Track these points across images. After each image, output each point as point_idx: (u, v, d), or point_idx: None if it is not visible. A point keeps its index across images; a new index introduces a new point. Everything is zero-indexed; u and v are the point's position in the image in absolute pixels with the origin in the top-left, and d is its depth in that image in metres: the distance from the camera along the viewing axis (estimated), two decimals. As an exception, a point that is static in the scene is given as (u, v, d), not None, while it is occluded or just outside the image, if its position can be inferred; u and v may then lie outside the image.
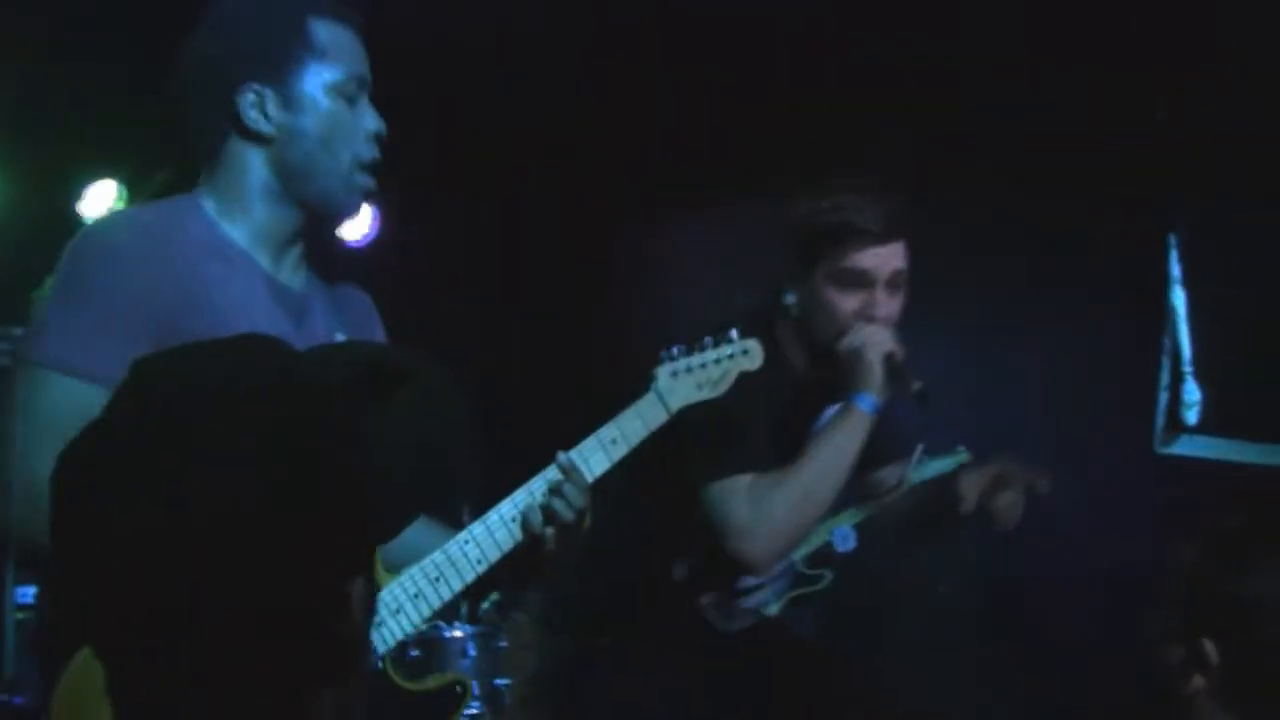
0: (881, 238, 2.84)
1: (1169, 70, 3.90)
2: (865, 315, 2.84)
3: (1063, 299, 4.19)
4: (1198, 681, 1.89)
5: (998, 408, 4.30)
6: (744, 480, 2.82)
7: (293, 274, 2.31)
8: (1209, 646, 1.88)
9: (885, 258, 2.85)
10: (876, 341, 2.84)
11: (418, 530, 2.26)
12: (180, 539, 1.02)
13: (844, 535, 3.04)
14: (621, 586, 3.05)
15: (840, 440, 2.85)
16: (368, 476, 1.10)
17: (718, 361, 2.58)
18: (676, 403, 2.53)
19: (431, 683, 2.37)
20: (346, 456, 1.09)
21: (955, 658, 4.04)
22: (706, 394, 2.56)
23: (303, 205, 2.26)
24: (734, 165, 4.69)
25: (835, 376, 2.89)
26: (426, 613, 2.30)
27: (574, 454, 2.40)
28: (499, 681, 4.70)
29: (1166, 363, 4.14)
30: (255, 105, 2.20)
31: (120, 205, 5.17)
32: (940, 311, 3.24)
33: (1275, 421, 4.06)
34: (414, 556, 2.31)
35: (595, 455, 2.43)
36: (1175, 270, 4.09)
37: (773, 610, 3.06)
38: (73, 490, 1.07)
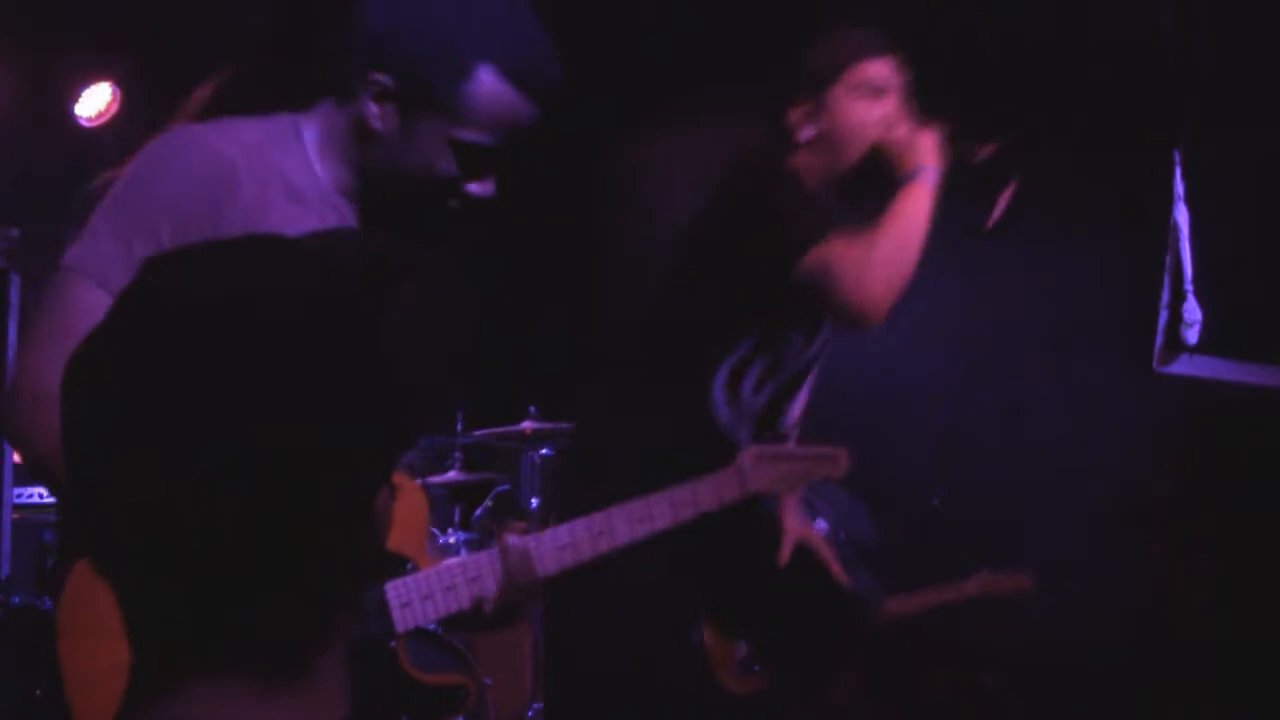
0: (889, 49, 3.04)
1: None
2: (889, 122, 3.00)
3: (1063, 214, 4.15)
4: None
5: (997, 327, 4.28)
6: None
7: None
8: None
9: (895, 69, 3.04)
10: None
11: None
12: (187, 446, 0.98)
13: None
14: None
15: (924, 202, 2.92)
16: (387, 375, 1.07)
17: (803, 461, 2.63)
18: (755, 485, 2.54)
19: (439, 678, 2.36)
20: (366, 357, 1.05)
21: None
22: (781, 489, 2.59)
23: (360, 193, 2.18)
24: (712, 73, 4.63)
25: (866, 187, 3.01)
26: (454, 609, 2.27)
27: (640, 504, 2.39)
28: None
29: (1168, 281, 4.08)
30: (375, 94, 2.07)
31: (114, 108, 5.12)
32: (939, 227, 3.23)
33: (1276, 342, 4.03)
34: None
35: (662, 510, 2.42)
36: (1179, 187, 4.02)
37: None
38: (78, 392, 1.04)
